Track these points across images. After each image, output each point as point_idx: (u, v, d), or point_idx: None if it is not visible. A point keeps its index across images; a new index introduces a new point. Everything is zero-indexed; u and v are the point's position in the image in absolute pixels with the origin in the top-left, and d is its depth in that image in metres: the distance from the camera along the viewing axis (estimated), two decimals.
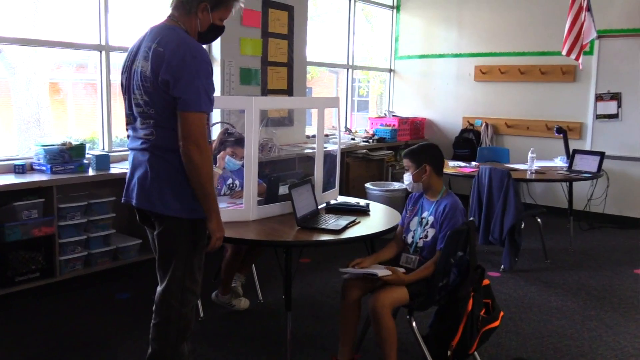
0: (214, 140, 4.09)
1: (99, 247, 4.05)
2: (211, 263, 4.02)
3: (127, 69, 2.25)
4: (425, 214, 2.90)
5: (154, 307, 2.31)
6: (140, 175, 2.22)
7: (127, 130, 2.33)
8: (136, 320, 3.48)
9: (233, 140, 3.59)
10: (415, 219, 2.94)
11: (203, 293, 3.58)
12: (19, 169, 3.83)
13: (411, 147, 3.03)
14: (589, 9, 5.65)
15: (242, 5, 2.38)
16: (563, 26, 5.73)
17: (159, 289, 2.29)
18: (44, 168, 3.86)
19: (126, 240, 4.22)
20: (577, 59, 5.74)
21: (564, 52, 5.75)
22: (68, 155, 3.91)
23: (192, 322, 2.38)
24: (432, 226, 2.84)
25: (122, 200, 2.34)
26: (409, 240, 2.92)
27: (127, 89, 2.26)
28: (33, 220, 3.66)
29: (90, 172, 4.02)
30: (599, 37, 6.10)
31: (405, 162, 2.98)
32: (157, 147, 2.18)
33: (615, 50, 6.19)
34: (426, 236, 2.84)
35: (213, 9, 2.25)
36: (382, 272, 2.72)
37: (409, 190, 3.02)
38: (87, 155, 4.08)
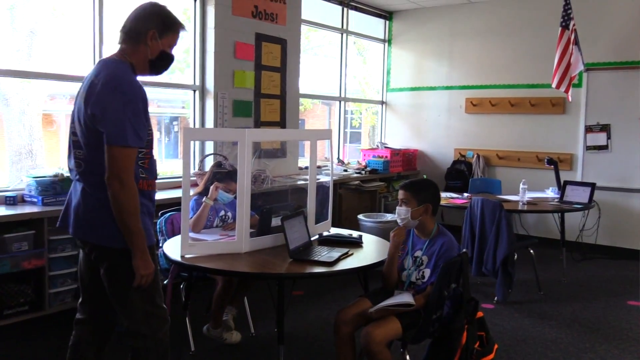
0: (205, 172, 4.10)
1: None
2: (202, 296, 3.98)
3: (75, 100, 2.30)
4: (418, 253, 2.88)
5: (127, 343, 2.30)
6: (75, 205, 2.27)
7: (67, 159, 2.37)
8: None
9: (225, 174, 3.58)
10: (409, 258, 2.92)
11: (195, 326, 3.55)
12: (10, 201, 3.80)
13: (412, 180, 2.99)
14: (576, 43, 5.76)
15: (186, 30, 2.43)
16: (552, 59, 5.84)
17: (125, 323, 2.29)
18: (35, 200, 3.84)
19: None
20: (566, 91, 5.82)
21: (553, 85, 5.84)
22: (60, 187, 3.89)
23: (169, 348, 2.37)
24: (427, 266, 2.82)
25: (57, 225, 2.39)
26: (403, 278, 2.90)
27: (72, 119, 2.30)
28: (23, 253, 3.63)
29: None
30: (587, 69, 6.21)
31: (405, 195, 2.89)
32: (85, 180, 2.23)
33: (603, 82, 6.29)
34: (423, 276, 2.82)
35: (161, 36, 2.29)
36: (408, 297, 2.71)
37: (401, 224, 2.91)
38: None
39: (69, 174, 3.90)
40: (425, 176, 6.67)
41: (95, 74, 2.20)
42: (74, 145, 2.26)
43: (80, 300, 2.47)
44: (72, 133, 2.27)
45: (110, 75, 2.16)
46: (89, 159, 2.20)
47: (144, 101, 2.20)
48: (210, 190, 3.48)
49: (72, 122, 2.28)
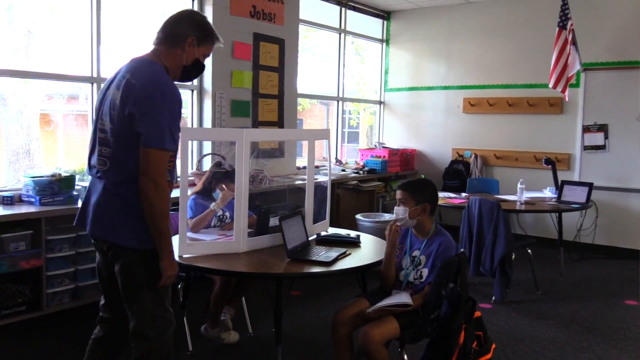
0: (203, 172, 4.09)
1: (87, 279, 3.99)
2: (200, 296, 3.98)
3: (101, 95, 2.29)
4: (416, 253, 2.88)
5: (131, 343, 2.29)
6: (94, 202, 2.25)
7: (88, 155, 2.35)
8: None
9: (224, 174, 3.57)
10: (407, 258, 2.92)
11: (192, 326, 3.55)
12: (8, 201, 3.80)
13: (409, 180, 2.99)
14: (574, 43, 5.77)
15: (222, 45, 2.45)
16: (549, 59, 5.84)
17: (131, 324, 2.28)
18: (32, 199, 3.83)
19: None
20: (563, 91, 5.82)
21: (550, 85, 5.85)
22: (57, 187, 3.88)
23: (173, 350, 2.37)
24: (425, 266, 2.83)
25: (74, 224, 2.37)
26: (401, 277, 2.90)
27: (97, 114, 2.29)
28: (20, 253, 3.62)
29: (80, 204, 3.98)
30: (584, 69, 6.22)
31: (403, 195, 2.89)
32: (109, 178, 2.21)
33: (600, 82, 6.30)
34: (421, 276, 2.82)
35: (199, 44, 2.32)
36: (406, 298, 2.72)
37: (399, 224, 2.89)
38: (76, 187, 4.06)
39: (66, 174, 3.94)
40: (423, 176, 6.68)
41: (130, 72, 2.19)
42: (100, 142, 2.24)
43: (102, 302, 2.47)
44: (100, 130, 2.24)
45: (150, 76, 2.16)
46: (117, 157, 2.19)
47: (179, 104, 2.21)
48: (221, 196, 3.45)
49: (100, 119, 2.25)
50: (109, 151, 2.20)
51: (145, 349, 2.27)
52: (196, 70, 2.39)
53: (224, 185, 3.49)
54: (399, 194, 2.92)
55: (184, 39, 2.28)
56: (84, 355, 2.46)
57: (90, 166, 2.31)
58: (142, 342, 2.27)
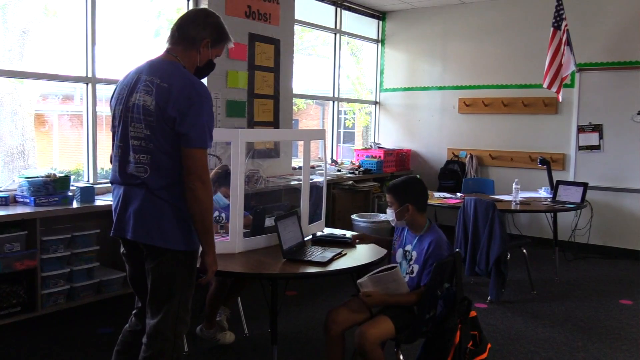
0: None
1: (82, 280, 3.99)
2: (196, 296, 3.98)
3: (124, 101, 2.25)
4: (408, 247, 2.90)
5: (144, 339, 2.27)
6: (135, 209, 2.21)
7: (113, 162, 2.32)
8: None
9: (225, 177, 3.56)
10: (400, 251, 2.94)
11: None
12: (2, 201, 3.78)
13: (394, 181, 2.99)
14: (568, 43, 5.79)
15: (232, 46, 2.50)
16: (544, 60, 5.86)
17: (151, 321, 2.26)
18: (27, 200, 3.82)
19: (110, 273, 4.17)
20: (557, 92, 5.84)
21: (544, 85, 5.86)
22: (52, 187, 3.87)
23: (182, 353, 2.37)
24: (416, 262, 2.83)
25: (112, 234, 2.32)
26: None
27: (121, 120, 2.25)
28: (15, 253, 3.61)
29: (75, 205, 3.98)
30: (579, 70, 6.24)
31: (388, 197, 2.95)
32: (150, 184, 2.19)
33: (595, 83, 6.32)
34: (412, 271, 2.83)
35: (213, 46, 2.35)
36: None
37: (392, 225, 3.01)
38: (71, 187, 4.05)
39: (61, 174, 3.92)
40: (418, 176, 6.68)
41: (157, 76, 2.18)
42: (135, 150, 2.20)
43: (138, 304, 2.46)
44: (133, 138, 2.20)
45: (182, 78, 2.19)
46: (158, 163, 2.17)
47: (212, 101, 2.25)
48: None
49: (130, 126, 2.21)
50: (148, 157, 2.18)
51: (159, 348, 2.25)
52: (208, 69, 2.42)
53: (224, 189, 3.49)
54: (387, 197, 3.01)
55: (199, 41, 2.31)
56: (79, 356, 2.45)
57: (123, 175, 2.25)
58: (157, 342, 2.25)
